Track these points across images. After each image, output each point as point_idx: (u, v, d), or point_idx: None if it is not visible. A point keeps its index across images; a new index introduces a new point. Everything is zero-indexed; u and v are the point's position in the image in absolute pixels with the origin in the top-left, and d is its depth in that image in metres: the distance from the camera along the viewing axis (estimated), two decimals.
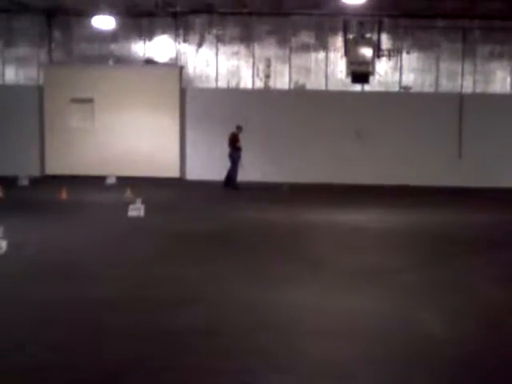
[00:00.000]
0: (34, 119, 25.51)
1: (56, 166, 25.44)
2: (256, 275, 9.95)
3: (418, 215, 17.03)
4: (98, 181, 23.03)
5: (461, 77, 24.69)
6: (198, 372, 6.12)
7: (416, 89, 24.84)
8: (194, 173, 25.06)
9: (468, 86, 24.74)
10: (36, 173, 25.10)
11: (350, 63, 24.46)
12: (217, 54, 25.31)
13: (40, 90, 25.57)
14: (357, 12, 23.68)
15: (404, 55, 24.76)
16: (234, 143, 22.61)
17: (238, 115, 24.16)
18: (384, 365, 6.38)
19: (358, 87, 24.93)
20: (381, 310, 8.20)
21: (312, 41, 25.06)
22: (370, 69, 24.36)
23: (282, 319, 7.77)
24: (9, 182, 21.15)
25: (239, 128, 22.81)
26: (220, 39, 25.25)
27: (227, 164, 22.68)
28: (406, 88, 24.86)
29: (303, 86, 25.19)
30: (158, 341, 6.94)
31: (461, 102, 24.44)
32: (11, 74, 25.79)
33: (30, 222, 14.77)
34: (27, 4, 24.23)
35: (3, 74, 25.76)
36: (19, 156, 25.05)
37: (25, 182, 22.26)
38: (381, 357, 6.57)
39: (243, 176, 22.65)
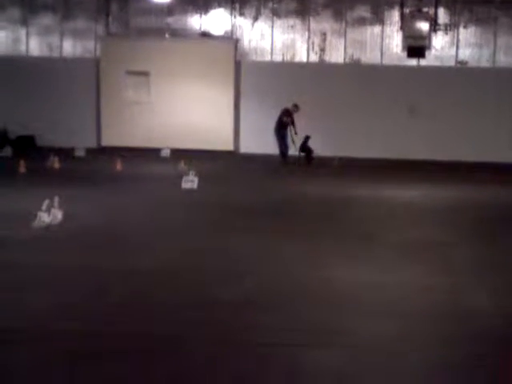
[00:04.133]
0: (90, 91, 25.85)
1: (111, 137, 25.77)
2: (304, 249, 10.00)
3: (470, 191, 16.89)
4: (152, 153, 23.27)
5: None
6: (246, 346, 6.16)
7: (472, 63, 24.52)
8: (248, 146, 25.16)
9: None
10: (92, 144, 25.45)
11: (406, 37, 24.28)
12: (272, 28, 25.29)
13: (97, 62, 25.87)
14: None
15: (461, 29, 24.44)
16: (281, 118, 22.58)
17: (292, 89, 24.15)
18: (433, 342, 6.37)
19: (413, 61, 24.72)
20: (427, 285, 8.21)
21: (368, 15, 24.88)
22: (426, 43, 24.15)
23: (333, 294, 7.77)
24: (65, 154, 21.46)
25: (296, 106, 22.75)
26: (276, 13, 25.21)
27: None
28: (463, 63, 24.56)
29: (358, 60, 25.05)
30: (206, 312, 7.01)
31: None
32: (69, 47, 26.11)
33: (85, 192, 15.02)
34: None
35: (61, 47, 26.11)
36: (76, 128, 25.39)
37: (81, 154, 22.63)
38: (430, 333, 6.57)
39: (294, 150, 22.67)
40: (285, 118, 22.48)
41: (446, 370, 5.74)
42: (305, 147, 22.41)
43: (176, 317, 6.87)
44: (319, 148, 22.70)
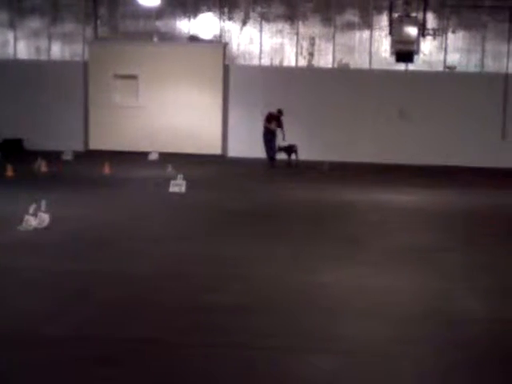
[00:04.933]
0: (78, 95, 25.80)
1: (99, 141, 25.71)
2: (295, 253, 9.96)
3: (459, 196, 16.90)
4: (140, 156, 23.20)
5: (506, 57, 24.36)
6: (232, 349, 6.11)
7: (461, 69, 24.59)
8: (236, 150, 25.14)
9: None
10: (80, 148, 25.39)
11: (394, 42, 24.25)
12: (261, 32, 25.28)
13: (85, 66, 25.80)
14: None
15: (449, 34, 24.50)
16: (266, 122, 22.63)
17: (280, 93, 24.17)
18: (422, 345, 6.34)
19: (402, 66, 24.75)
20: (419, 290, 8.19)
21: (356, 19, 24.91)
22: (415, 48, 24.13)
23: (324, 298, 7.74)
24: (53, 157, 21.37)
25: (279, 112, 22.73)
26: (264, 17, 25.21)
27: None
28: (451, 68, 24.62)
29: (347, 65, 25.07)
30: (192, 317, 6.96)
31: (506, 83, 24.15)
32: (57, 50, 26.04)
33: (72, 196, 14.95)
34: None
35: (49, 50, 26.02)
36: (64, 131, 25.36)
37: (69, 157, 22.53)
38: (419, 337, 6.54)
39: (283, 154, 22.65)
40: (266, 123, 22.50)
41: (441, 375, 5.72)
42: (289, 149, 22.43)
43: (168, 322, 6.81)
44: (308, 152, 22.75)
